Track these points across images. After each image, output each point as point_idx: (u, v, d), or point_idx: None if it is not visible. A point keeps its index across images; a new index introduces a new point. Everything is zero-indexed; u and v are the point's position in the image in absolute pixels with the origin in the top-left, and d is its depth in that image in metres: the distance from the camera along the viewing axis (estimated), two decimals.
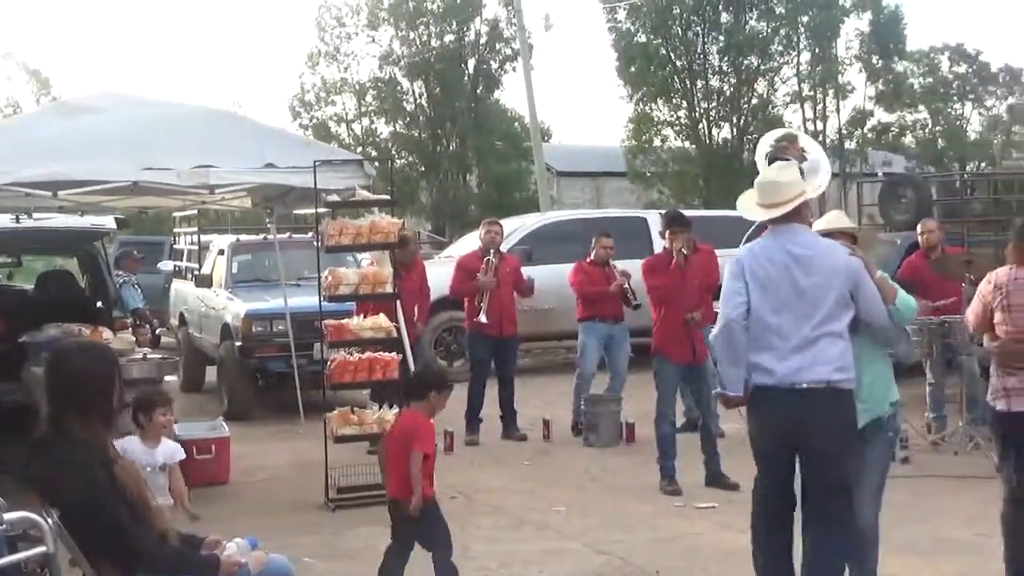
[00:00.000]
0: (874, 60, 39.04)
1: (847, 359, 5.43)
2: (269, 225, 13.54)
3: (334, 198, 9.10)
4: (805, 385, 5.40)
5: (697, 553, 7.16)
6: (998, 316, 5.68)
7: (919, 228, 11.48)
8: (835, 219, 6.08)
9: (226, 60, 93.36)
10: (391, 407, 8.99)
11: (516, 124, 43.78)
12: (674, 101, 36.26)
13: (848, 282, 5.50)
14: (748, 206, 5.83)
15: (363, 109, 44.59)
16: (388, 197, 9.66)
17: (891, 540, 7.31)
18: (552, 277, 14.25)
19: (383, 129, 45.00)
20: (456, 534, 7.77)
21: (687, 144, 36.44)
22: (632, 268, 11.97)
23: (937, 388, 10.76)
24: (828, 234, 5.83)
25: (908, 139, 47.35)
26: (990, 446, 7.81)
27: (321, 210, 9.36)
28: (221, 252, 14.83)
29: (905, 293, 5.66)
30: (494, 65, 43.02)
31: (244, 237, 16.17)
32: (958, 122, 55.70)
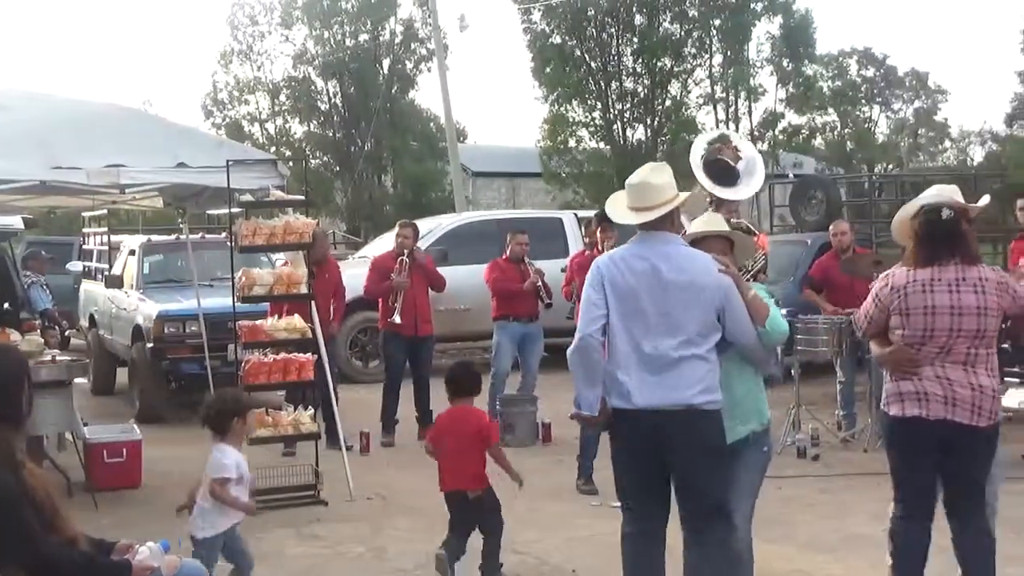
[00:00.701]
0: (785, 63, 39.56)
1: (711, 381, 5.10)
2: (181, 225, 13.38)
3: (247, 198, 9.02)
4: (666, 408, 5.06)
5: (613, 552, 7.15)
6: (895, 320, 5.40)
7: (831, 230, 11.62)
8: (709, 222, 5.63)
9: (136, 57, 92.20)
10: (306, 408, 8.95)
11: (432, 124, 43.75)
12: (589, 102, 36.44)
13: (716, 301, 5.12)
14: (617, 208, 5.45)
15: (277, 108, 44.30)
16: (302, 197, 9.60)
17: (800, 537, 7.45)
18: (468, 277, 14.28)
19: (297, 129, 44.85)
20: (372, 536, 7.79)
21: (602, 145, 36.66)
22: (547, 268, 12.07)
23: (847, 386, 10.93)
24: (703, 237, 5.46)
25: (818, 141, 48.08)
26: None
27: (234, 210, 9.27)
28: (132, 252, 14.63)
29: (777, 313, 5.33)
30: (409, 65, 42.97)
31: (156, 237, 15.96)
32: (866, 125, 56.89)
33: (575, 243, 15.77)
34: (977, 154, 62.43)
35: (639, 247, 5.29)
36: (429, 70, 41.65)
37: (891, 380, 5.49)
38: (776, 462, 9.13)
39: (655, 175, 5.33)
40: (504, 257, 11.76)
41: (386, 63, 42.61)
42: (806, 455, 9.93)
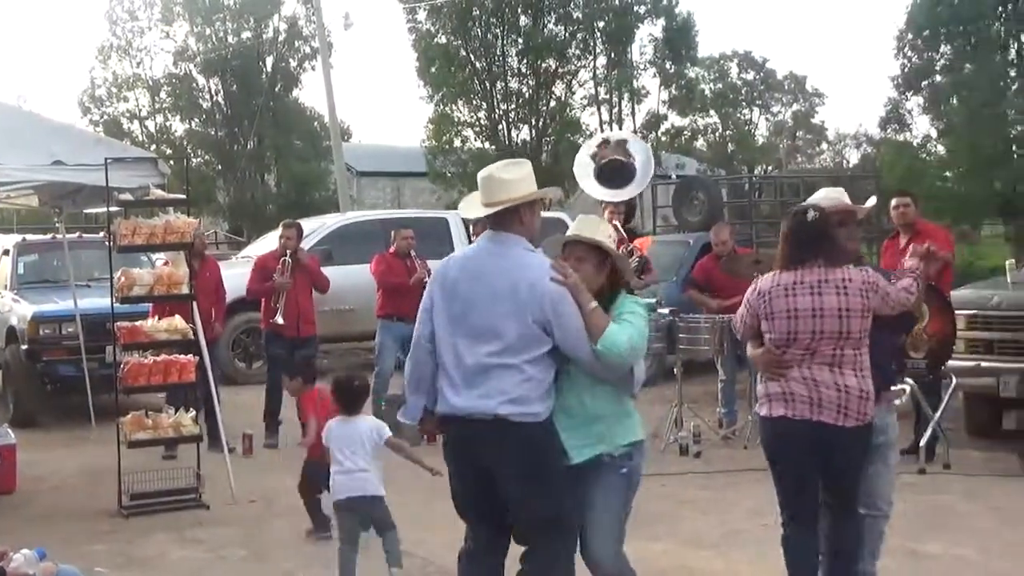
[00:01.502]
0: (667, 66, 40.10)
1: (523, 392, 4.74)
2: (57, 224, 13.12)
3: (127, 197, 8.87)
4: (475, 416, 4.80)
5: None
6: (763, 324, 5.43)
7: (713, 235, 11.75)
8: (579, 226, 5.11)
9: (8, 52, 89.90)
10: (188, 410, 8.83)
11: (316, 123, 43.40)
12: (474, 102, 36.50)
13: (538, 312, 4.73)
14: (471, 202, 5.16)
15: (157, 106, 43.57)
16: (183, 196, 9.46)
17: (682, 533, 7.56)
18: (352, 277, 14.22)
19: (178, 127, 44.13)
20: (255, 538, 7.72)
21: (487, 145, 36.75)
22: (432, 268, 12.07)
23: (728, 384, 11.10)
24: (569, 242, 5.04)
25: (700, 143, 48.85)
26: None
27: (113, 209, 9.10)
28: (6, 252, 14.28)
29: (619, 331, 4.75)
30: (293, 63, 42.56)
31: (30, 237, 15.64)
32: (746, 127, 57.94)
33: (460, 243, 15.80)
34: (853, 156, 63.96)
35: (478, 246, 5.11)
36: (313, 68, 41.34)
37: (761, 382, 5.54)
38: (659, 459, 9.30)
39: (504, 170, 5.03)
40: (390, 251, 11.78)
41: (269, 61, 42.17)
42: (688, 452, 10.08)
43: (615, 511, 4.97)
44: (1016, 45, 33.38)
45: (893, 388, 5.78)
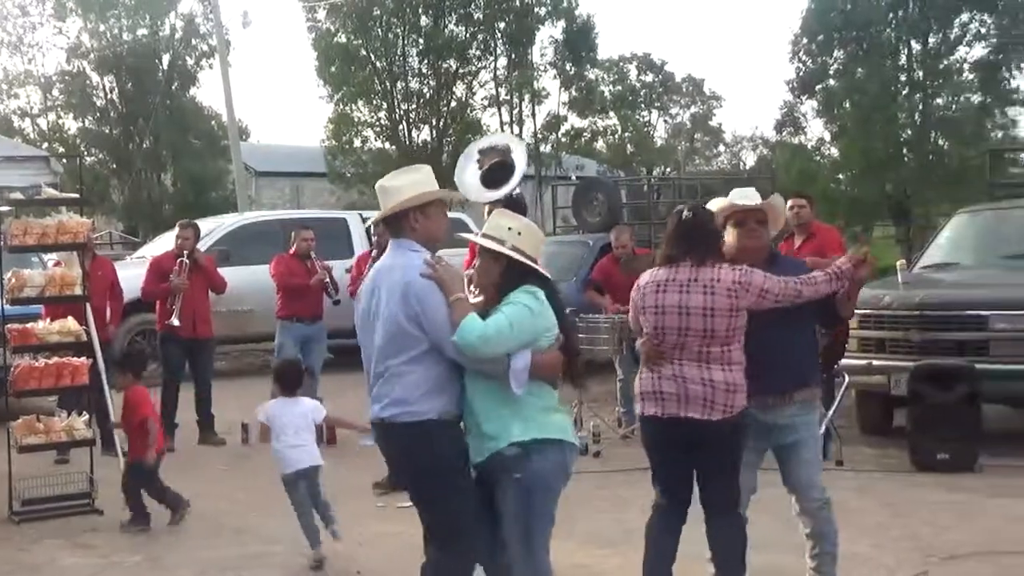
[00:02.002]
0: (567, 67, 40.34)
1: (403, 392, 4.73)
2: None
3: (18, 196, 8.69)
4: (374, 422, 4.90)
5: (398, 554, 7.19)
6: (641, 318, 5.57)
7: (613, 238, 11.83)
8: (487, 225, 5.07)
9: None
10: (80, 414, 8.67)
11: (213, 122, 42.87)
12: (374, 102, 36.37)
13: (410, 309, 4.70)
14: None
15: (49, 103, 42.68)
16: (77, 196, 9.30)
17: (578, 532, 7.59)
18: (250, 278, 14.09)
19: (71, 125, 43.24)
20: (148, 543, 7.62)
21: (387, 145, 36.64)
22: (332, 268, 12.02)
23: (626, 383, 11.17)
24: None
25: (600, 144, 49.24)
26: None
27: (3, 209, 8.92)
28: None
29: (473, 321, 4.62)
30: (190, 61, 41.94)
31: None
32: (645, 128, 58.55)
33: (360, 243, 15.76)
34: (749, 158, 65.03)
35: (382, 259, 5.06)
36: (211, 67, 40.81)
37: (639, 379, 5.64)
38: None
39: (391, 178, 5.01)
40: (290, 252, 11.71)
41: (166, 59, 41.50)
42: (587, 452, 10.14)
43: (511, 517, 4.84)
44: (906, 51, 34.17)
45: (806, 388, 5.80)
